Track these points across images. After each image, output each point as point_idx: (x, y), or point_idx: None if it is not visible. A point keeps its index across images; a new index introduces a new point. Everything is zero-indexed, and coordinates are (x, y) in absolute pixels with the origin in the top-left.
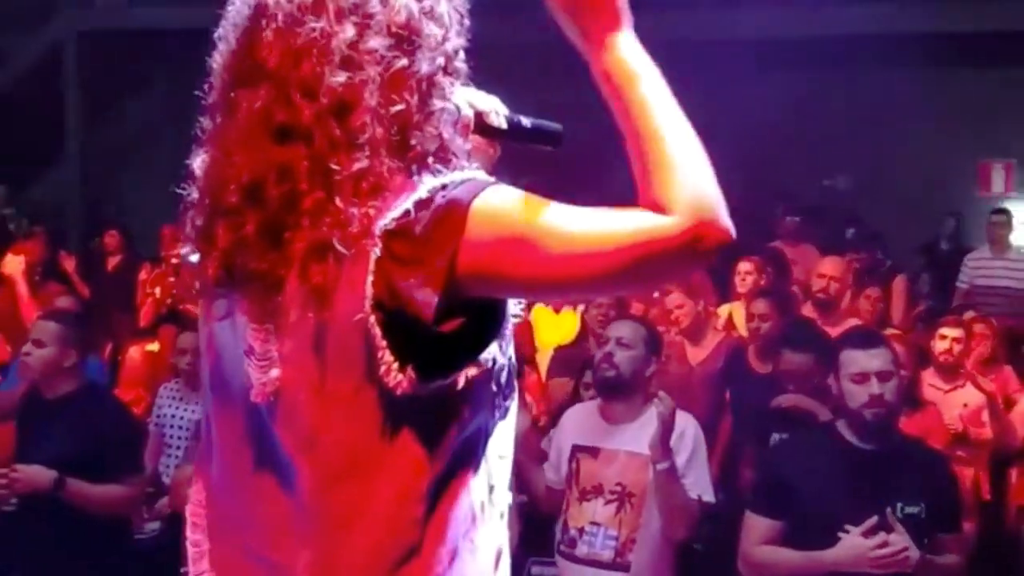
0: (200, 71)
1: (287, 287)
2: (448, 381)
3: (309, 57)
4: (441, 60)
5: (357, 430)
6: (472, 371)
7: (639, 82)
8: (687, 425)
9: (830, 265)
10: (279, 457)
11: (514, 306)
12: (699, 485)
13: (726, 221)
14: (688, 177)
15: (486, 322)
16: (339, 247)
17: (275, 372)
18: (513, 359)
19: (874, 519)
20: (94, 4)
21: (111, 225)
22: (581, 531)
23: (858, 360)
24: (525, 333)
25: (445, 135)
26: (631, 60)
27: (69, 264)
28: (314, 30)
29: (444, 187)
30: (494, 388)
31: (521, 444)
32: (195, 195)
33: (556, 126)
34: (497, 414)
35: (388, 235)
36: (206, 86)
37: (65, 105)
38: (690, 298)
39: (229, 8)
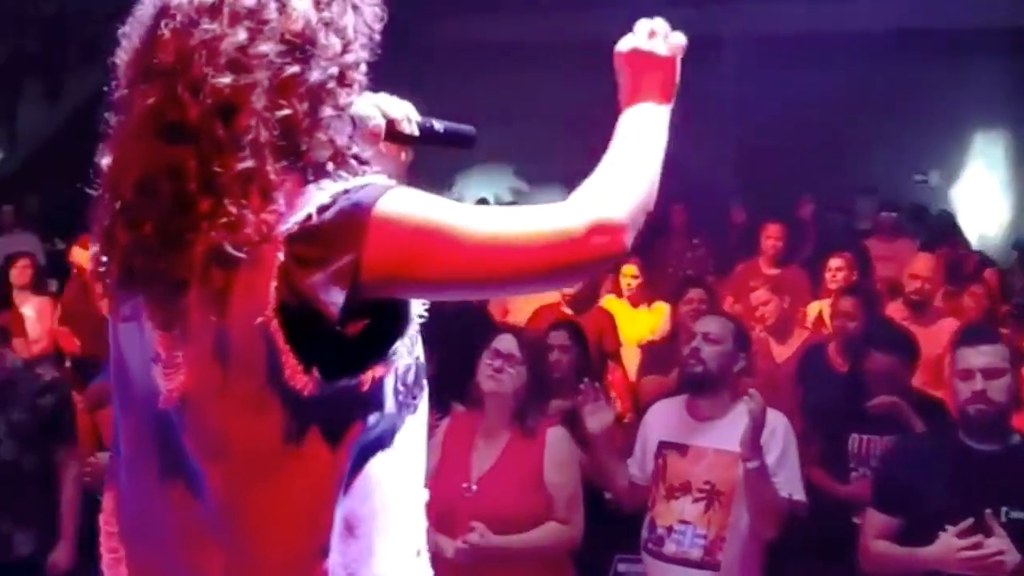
0: None
1: (190, 291)
2: (354, 381)
3: (199, 58)
4: (335, 70)
5: (263, 433)
6: (378, 371)
7: (634, 126)
8: (777, 423)
9: (922, 264)
10: (187, 463)
11: (419, 306)
12: (790, 484)
13: (627, 236)
14: (610, 188)
15: (391, 323)
16: (235, 252)
17: (181, 378)
18: (421, 358)
19: (969, 520)
20: None
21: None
22: (669, 529)
23: (965, 356)
24: (609, 328)
25: (339, 142)
26: (646, 114)
27: None
28: (207, 32)
29: (347, 191)
30: (401, 387)
31: (604, 440)
32: (100, 193)
33: (469, 129)
34: (405, 412)
35: (291, 239)
36: (112, 84)
37: None
38: (776, 295)
39: (137, 7)
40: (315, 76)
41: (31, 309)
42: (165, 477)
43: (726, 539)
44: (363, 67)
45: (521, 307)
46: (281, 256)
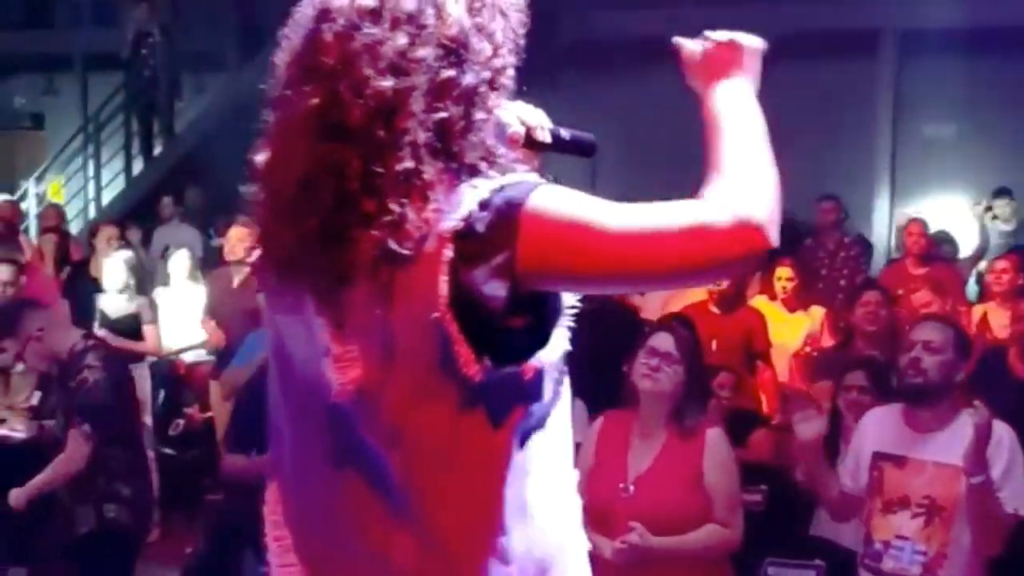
0: None
1: (356, 287)
2: (518, 369)
3: (362, 60)
4: (487, 75)
5: (439, 420)
6: (540, 360)
7: (727, 113)
8: (1003, 434)
9: None
10: (364, 451)
11: (570, 298)
12: (1015, 498)
13: (772, 232)
14: (746, 189)
15: (551, 314)
16: (400, 249)
17: (356, 372)
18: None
19: None
20: None
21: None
22: (887, 544)
23: None
24: (758, 328)
25: (488, 144)
26: (725, 100)
27: None
28: (369, 35)
29: (501, 188)
30: (556, 373)
31: (814, 449)
32: (257, 191)
33: (591, 137)
34: (557, 397)
35: (455, 236)
36: (269, 83)
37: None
38: (938, 296)
39: (297, 10)
40: (469, 80)
41: (184, 300)
42: (340, 466)
43: (947, 556)
44: (510, 72)
45: (661, 306)
46: (449, 253)
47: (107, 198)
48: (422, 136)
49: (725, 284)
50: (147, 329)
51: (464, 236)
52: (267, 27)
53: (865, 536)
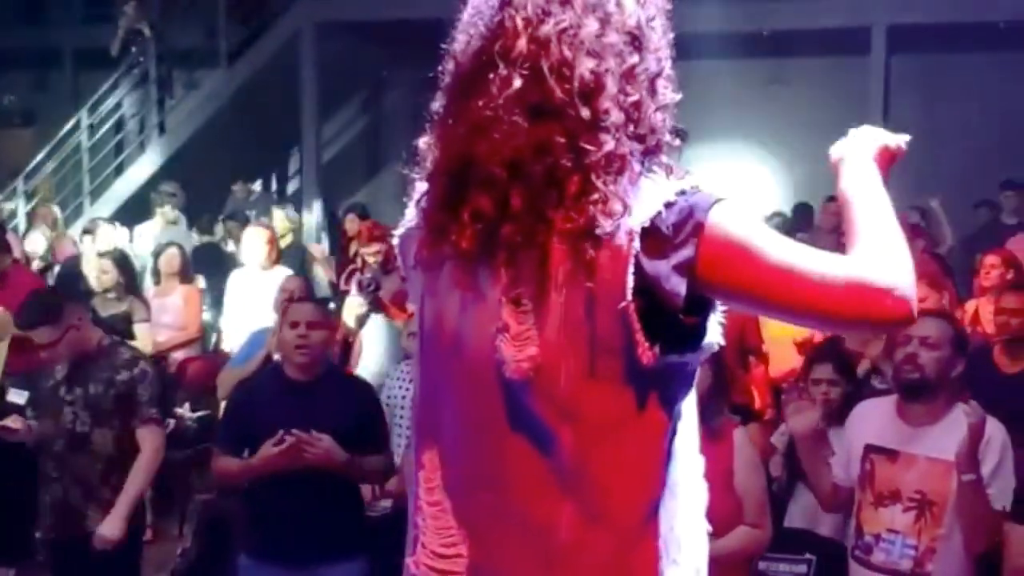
0: (437, 61)
1: (552, 262)
2: (684, 359)
3: (560, 44)
4: (664, 63)
5: (612, 400)
6: (704, 350)
7: (860, 194)
8: (994, 431)
9: None
10: (535, 424)
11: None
12: (1004, 495)
13: (914, 305)
14: (902, 262)
15: (710, 309)
16: (606, 228)
17: (532, 350)
18: None
19: None
20: None
21: (351, 211)
22: (877, 538)
23: None
24: (751, 324)
25: (664, 130)
26: (854, 180)
27: (318, 251)
28: (563, 20)
29: (683, 192)
30: (695, 365)
31: (808, 441)
32: (430, 171)
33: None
34: (692, 387)
35: (643, 232)
36: (442, 70)
37: (302, 95)
38: (934, 290)
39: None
40: (650, 66)
41: (175, 299)
42: (510, 435)
43: (937, 551)
44: (671, 64)
45: None
46: (636, 245)
47: (98, 196)
48: (620, 117)
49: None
50: (138, 328)
51: (650, 232)
52: (258, 24)
53: (855, 528)
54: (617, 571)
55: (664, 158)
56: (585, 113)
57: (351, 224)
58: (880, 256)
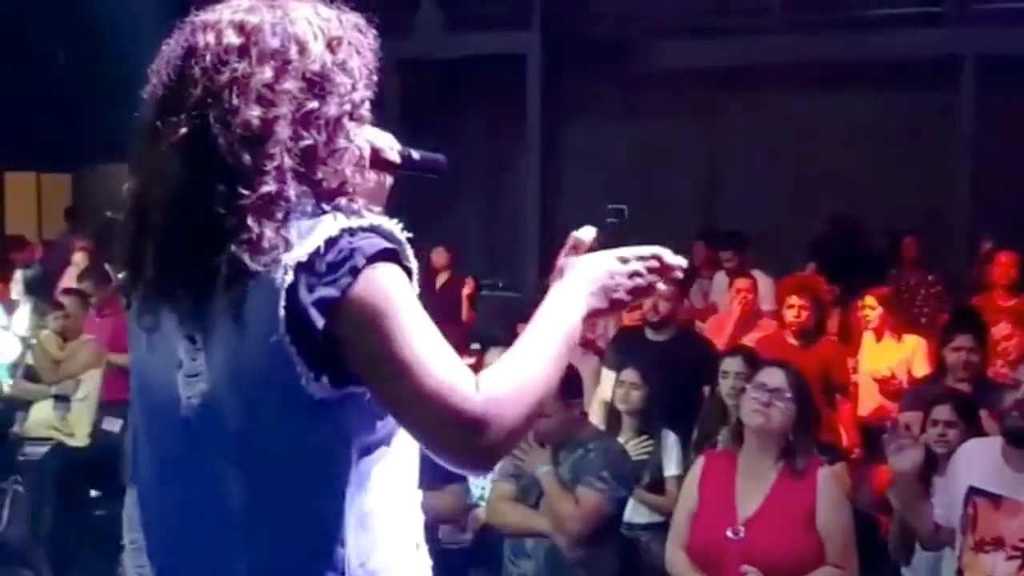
0: (513, 95)
1: (214, 303)
2: (360, 389)
3: (231, 93)
4: (348, 107)
5: (281, 434)
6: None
7: (540, 317)
8: None
9: None
10: (209, 465)
11: None
12: None
13: (508, 443)
14: (519, 390)
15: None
16: (255, 267)
17: (203, 386)
18: None
19: None
20: (413, 32)
21: (438, 243)
22: None
23: None
24: (838, 360)
25: (347, 172)
26: (548, 304)
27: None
28: (236, 70)
29: (352, 232)
30: None
31: (910, 480)
32: (124, 217)
33: (441, 157)
34: (377, 414)
35: (299, 266)
36: (137, 114)
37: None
38: (1019, 328)
39: (164, 47)
40: (332, 111)
41: None
42: (190, 475)
43: None
44: (367, 104)
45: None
46: (290, 278)
47: None
48: (288, 162)
49: (804, 316)
50: None
51: (307, 267)
52: None
53: (957, 573)
54: None
55: (358, 199)
56: (246, 159)
57: None
58: (492, 370)
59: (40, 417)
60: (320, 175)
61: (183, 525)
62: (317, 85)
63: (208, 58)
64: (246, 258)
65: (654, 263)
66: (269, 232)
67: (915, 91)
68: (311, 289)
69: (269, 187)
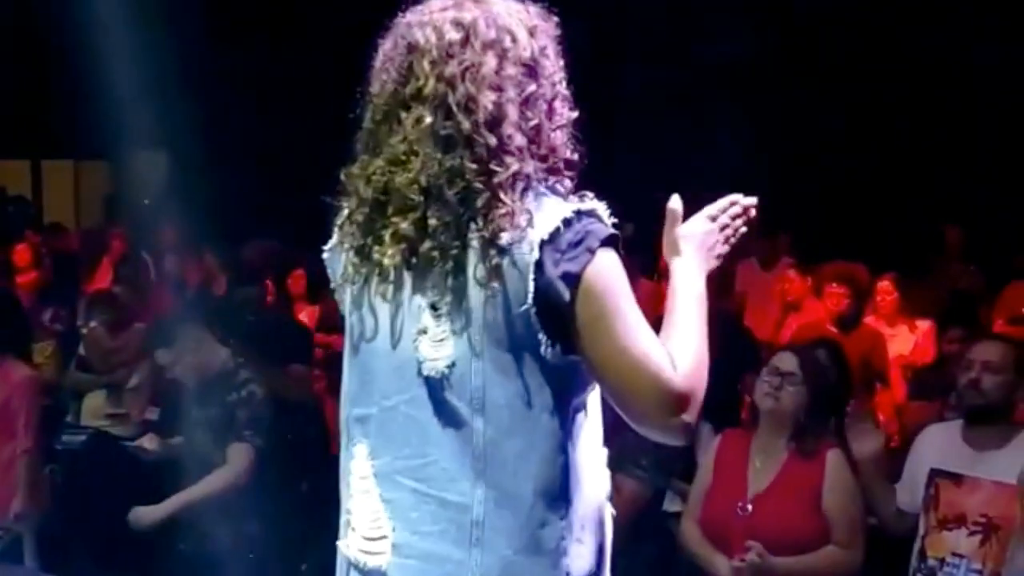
0: None
1: (465, 274)
2: (578, 358)
3: (464, 81)
4: (557, 87)
5: (520, 393)
6: None
7: (681, 293)
8: None
9: None
10: (453, 415)
11: None
12: None
13: (695, 414)
14: (700, 364)
15: None
16: (506, 241)
17: (447, 350)
18: None
19: None
20: None
21: None
22: (942, 562)
23: None
24: (878, 347)
25: (565, 149)
26: (680, 280)
27: None
28: (464, 61)
29: (583, 214)
30: None
31: (872, 465)
32: (354, 199)
33: None
34: (593, 384)
35: (543, 243)
36: (360, 112)
37: None
38: None
39: (382, 48)
40: (546, 92)
41: None
42: (432, 426)
43: (1002, 575)
44: (565, 83)
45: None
46: (537, 255)
47: None
48: (523, 141)
49: (843, 305)
50: None
51: (549, 244)
52: None
53: (919, 551)
54: (526, 546)
55: (566, 180)
56: (491, 140)
57: None
58: (680, 351)
59: (92, 406)
60: (546, 152)
61: (421, 469)
62: (530, 69)
63: (435, 52)
64: (502, 233)
65: (736, 209)
66: (519, 207)
67: None
68: (556, 264)
69: (514, 165)
